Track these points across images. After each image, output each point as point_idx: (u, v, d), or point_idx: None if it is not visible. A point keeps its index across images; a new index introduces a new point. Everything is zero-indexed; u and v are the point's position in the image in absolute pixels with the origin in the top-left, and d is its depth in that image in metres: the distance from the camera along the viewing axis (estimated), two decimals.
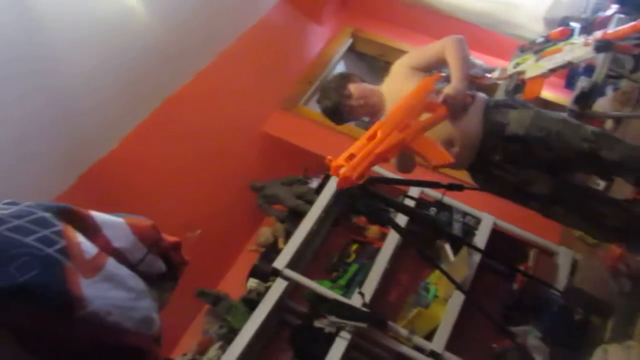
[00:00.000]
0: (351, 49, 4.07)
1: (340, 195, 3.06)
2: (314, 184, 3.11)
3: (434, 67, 1.81)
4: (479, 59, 1.98)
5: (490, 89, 2.69)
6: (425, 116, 1.67)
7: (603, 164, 1.68)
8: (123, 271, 0.93)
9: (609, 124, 2.59)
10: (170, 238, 1.07)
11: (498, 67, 2.68)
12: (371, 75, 3.44)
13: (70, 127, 2.22)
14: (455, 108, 1.71)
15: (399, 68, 1.87)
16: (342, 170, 1.46)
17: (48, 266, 0.82)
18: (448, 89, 1.69)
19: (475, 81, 1.85)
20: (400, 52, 1.94)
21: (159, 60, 2.55)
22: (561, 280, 2.55)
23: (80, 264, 0.85)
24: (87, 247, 0.88)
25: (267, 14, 3.32)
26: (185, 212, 2.86)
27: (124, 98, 2.42)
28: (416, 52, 1.88)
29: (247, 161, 3.34)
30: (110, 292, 0.88)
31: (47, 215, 0.86)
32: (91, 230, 0.93)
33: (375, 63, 4.08)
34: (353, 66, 4.18)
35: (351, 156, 1.50)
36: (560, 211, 1.81)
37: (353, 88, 1.89)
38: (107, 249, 0.93)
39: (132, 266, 0.97)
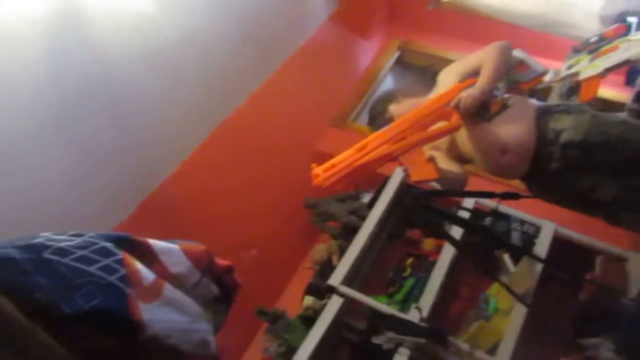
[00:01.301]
0: (399, 62, 4.07)
1: (394, 209, 3.05)
2: (366, 199, 3.11)
3: (478, 73, 1.77)
4: (536, 61, 1.91)
5: (544, 92, 2.61)
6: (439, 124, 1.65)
7: None
8: (180, 296, 0.98)
9: None
10: (223, 262, 1.11)
11: (551, 70, 2.59)
12: (421, 86, 3.42)
13: (133, 156, 2.35)
14: (468, 114, 1.67)
15: (444, 77, 1.86)
16: (316, 180, 1.48)
17: (110, 293, 0.88)
18: (462, 93, 1.65)
19: (523, 87, 1.78)
20: (448, 62, 1.92)
21: (214, 85, 2.66)
22: (633, 287, 2.41)
23: (140, 290, 0.91)
24: (146, 274, 0.94)
25: (315, 33, 3.40)
26: (241, 232, 2.94)
27: (182, 123, 2.54)
28: (461, 60, 1.87)
29: (301, 179, 3.36)
30: (168, 316, 0.93)
31: (109, 245, 0.93)
32: (149, 257, 0.99)
33: (424, 74, 4.05)
34: (401, 79, 4.17)
35: (332, 166, 1.51)
36: (627, 217, 1.72)
37: (394, 109, 1.90)
38: (165, 274, 0.98)
39: (188, 290, 1.02)
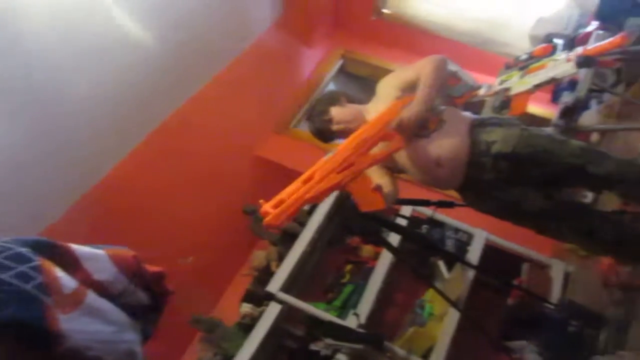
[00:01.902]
0: (342, 71, 4.12)
1: (333, 216, 3.07)
2: (306, 206, 3.11)
3: (416, 86, 1.81)
4: (469, 75, 1.95)
5: (478, 105, 2.72)
6: (380, 146, 1.66)
7: (590, 178, 1.69)
8: (104, 304, 0.93)
9: (594, 137, 2.61)
10: (152, 268, 1.07)
11: (485, 84, 2.71)
12: (362, 96, 3.48)
13: (64, 156, 2.23)
14: (409, 133, 1.69)
15: (382, 89, 1.89)
16: (266, 218, 1.45)
17: (25, 303, 0.82)
18: (402, 113, 1.67)
19: (457, 101, 1.82)
20: (389, 72, 1.95)
21: (152, 86, 2.58)
22: (555, 292, 2.55)
23: (59, 299, 0.85)
24: (66, 281, 0.88)
25: (258, 38, 3.37)
26: (178, 238, 2.86)
27: (117, 125, 2.44)
28: (399, 71, 1.89)
29: (240, 185, 3.35)
30: (90, 326, 0.88)
31: (24, 250, 0.87)
32: (71, 263, 0.93)
33: (366, 84, 4.12)
34: (344, 87, 4.22)
35: (280, 201, 1.48)
36: (552, 227, 1.81)
37: (335, 112, 1.90)
38: (88, 282, 0.93)
39: (114, 298, 0.97)
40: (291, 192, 1.50)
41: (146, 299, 1.04)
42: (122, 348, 0.93)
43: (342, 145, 1.64)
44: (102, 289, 0.94)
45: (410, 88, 1.81)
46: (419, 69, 1.74)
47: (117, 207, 2.52)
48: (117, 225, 2.46)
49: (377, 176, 1.81)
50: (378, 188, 1.58)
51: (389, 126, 1.68)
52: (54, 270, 0.88)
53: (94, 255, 0.97)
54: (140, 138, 2.61)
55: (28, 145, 2.02)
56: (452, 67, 1.80)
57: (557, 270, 2.66)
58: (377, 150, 1.68)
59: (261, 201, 1.49)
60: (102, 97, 2.31)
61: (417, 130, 1.72)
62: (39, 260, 0.86)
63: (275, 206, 1.47)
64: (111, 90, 2.35)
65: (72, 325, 0.85)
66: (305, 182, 1.53)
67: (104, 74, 2.29)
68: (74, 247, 0.96)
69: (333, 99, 1.96)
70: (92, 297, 0.90)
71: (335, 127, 1.90)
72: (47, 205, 2.22)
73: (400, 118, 1.66)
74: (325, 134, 1.95)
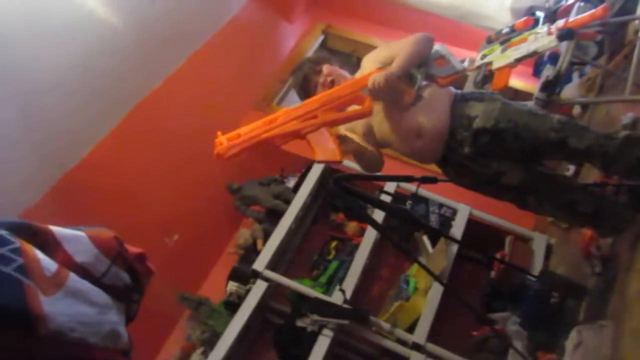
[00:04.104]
0: (323, 46, 4.07)
1: (318, 193, 3.08)
2: (291, 183, 3.11)
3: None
4: (457, 59, 1.95)
5: (460, 80, 2.71)
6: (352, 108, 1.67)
7: (570, 152, 1.71)
8: (86, 286, 0.92)
9: (576, 110, 2.63)
10: (134, 249, 1.05)
11: (467, 59, 2.70)
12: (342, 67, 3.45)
13: (40, 137, 2.18)
14: (379, 96, 1.70)
15: (366, 63, 1.87)
16: (217, 148, 1.46)
17: (6, 286, 0.80)
18: (371, 77, 1.67)
19: (440, 81, 1.81)
20: (372, 48, 1.93)
21: (129, 64, 2.52)
22: (537, 265, 2.60)
23: (41, 282, 0.84)
24: (47, 263, 0.87)
25: (236, 14, 3.30)
26: (162, 217, 2.84)
27: (95, 104, 2.39)
28: (384, 47, 1.88)
29: (223, 163, 3.30)
30: (73, 308, 0.87)
31: (3, 232, 0.85)
32: (51, 245, 0.91)
33: (348, 59, 4.08)
34: (321, 55, 4.18)
35: (237, 136, 1.49)
36: (532, 200, 1.83)
37: (326, 67, 1.90)
38: (69, 264, 0.91)
39: (96, 280, 0.95)
40: (249, 130, 1.51)
41: (129, 280, 1.03)
42: (105, 329, 0.92)
43: (312, 98, 1.65)
44: (83, 271, 0.93)
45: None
46: (402, 44, 1.73)
47: (99, 187, 2.49)
48: (100, 206, 2.43)
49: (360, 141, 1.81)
50: (341, 137, 1.59)
51: (360, 90, 1.68)
52: (34, 252, 0.86)
53: (75, 236, 0.95)
54: (117, 119, 2.56)
55: (1, 125, 1.97)
56: (441, 49, 1.80)
57: (539, 243, 2.70)
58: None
59: (218, 133, 1.49)
60: (78, 77, 2.26)
61: (391, 98, 1.72)
62: (18, 243, 0.84)
63: (231, 139, 1.47)
64: (87, 69, 2.30)
65: (55, 307, 0.84)
66: (267, 124, 1.54)
67: (77, 53, 2.24)
68: (54, 228, 0.94)
69: (327, 58, 1.96)
70: (73, 279, 0.89)
71: (322, 80, 1.88)
72: (24, 187, 2.17)
73: (371, 78, 1.66)
74: (309, 85, 1.92)
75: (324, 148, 1.58)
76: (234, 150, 1.46)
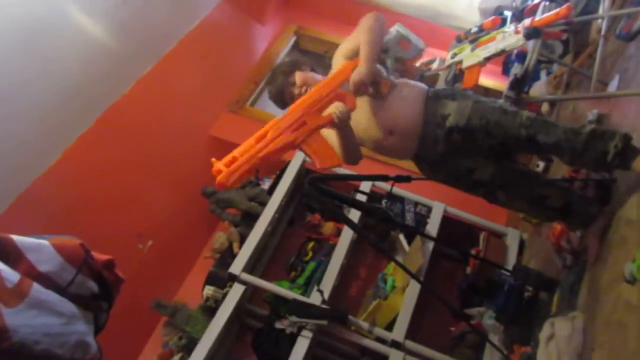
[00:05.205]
0: (295, 47, 4.06)
1: (293, 195, 3.06)
2: (266, 185, 3.09)
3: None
4: (418, 38, 1.96)
5: (432, 79, 2.74)
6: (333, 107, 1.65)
7: (539, 147, 1.74)
8: (51, 296, 0.89)
9: (545, 107, 2.68)
10: (102, 256, 1.03)
11: (437, 58, 2.73)
12: (317, 73, 3.46)
13: (6, 145, 2.12)
14: (363, 91, 1.69)
15: (335, 61, 1.88)
16: (218, 177, 1.42)
17: None
18: (352, 75, 1.66)
19: (408, 63, 1.81)
20: None
21: (98, 68, 2.47)
22: (511, 260, 2.64)
23: (2, 293, 0.81)
24: (8, 274, 0.84)
25: (207, 15, 3.26)
26: (135, 223, 2.80)
27: (63, 110, 2.34)
28: (344, 43, 1.88)
29: (196, 166, 3.25)
30: (37, 319, 0.85)
31: None
32: (13, 255, 0.88)
33: (321, 60, 4.08)
34: (294, 59, 4.17)
35: (233, 159, 1.45)
36: (502, 196, 1.86)
37: (298, 76, 1.89)
38: (32, 274, 0.89)
39: (62, 289, 0.93)
40: (244, 151, 1.47)
41: (96, 288, 1.00)
42: (72, 340, 0.90)
43: (294, 105, 1.62)
44: (47, 280, 0.90)
45: (357, 53, 1.79)
46: (357, 33, 1.73)
47: (69, 194, 2.43)
48: (70, 214, 2.38)
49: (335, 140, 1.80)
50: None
51: (341, 86, 1.67)
52: None
53: (38, 245, 0.92)
54: (87, 124, 2.51)
55: None
56: (401, 29, 1.80)
57: (512, 239, 2.75)
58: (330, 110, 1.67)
59: (213, 159, 1.45)
60: (44, 83, 2.21)
61: (371, 90, 1.72)
62: None
63: (228, 165, 1.43)
64: (54, 74, 2.25)
65: (18, 319, 0.81)
66: (258, 140, 1.51)
67: (44, 57, 2.18)
68: (16, 238, 0.91)
69: (297, 63, 1.95)
70: (37, 289, 0.86)
71: (297, 91, 1.87)
72: None
73: (351, 79, 1.65)
74: (285, 97, 1.91)
75: (322, 155, 1.57)
76: (235, 176, 1.41)
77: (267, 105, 3.24)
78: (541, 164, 2.53)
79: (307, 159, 2.96)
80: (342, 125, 1.67)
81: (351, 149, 1.83)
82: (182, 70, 3.07)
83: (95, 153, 2.54)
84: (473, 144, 1.77)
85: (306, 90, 1.85)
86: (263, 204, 2.91)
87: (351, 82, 1.66)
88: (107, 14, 2.46)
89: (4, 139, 2.09)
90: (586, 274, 1.77)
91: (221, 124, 3.44)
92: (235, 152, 1.47)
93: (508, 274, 2.36)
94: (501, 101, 2.05)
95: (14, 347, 0.81)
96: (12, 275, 0.85)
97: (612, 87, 2.04)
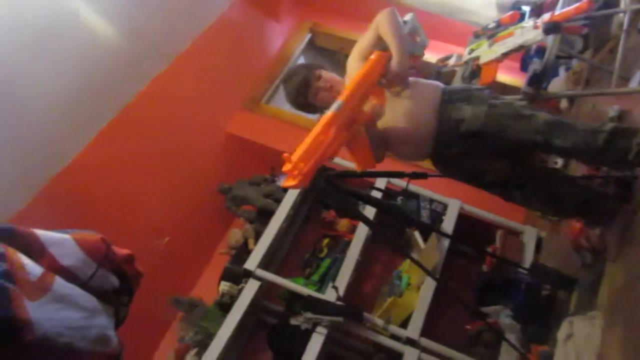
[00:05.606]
0: (311, 44, 4.06)
1: (308, 191, 3.07)
2: (281, 181, 3.10)
3: (378, 47, 1.72)
4: (424, 33, 1.92)
5: (448, 75, 2.72)
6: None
7: (557, 150, 1.72)
8: (73, 290, 0.90)
9: (563, 103, 2.65)
10: (122, 251, 1.04)
11: (454, 54, 2.70)
12: (332, 70, 3.45)
13: (27, 142, 2.16)
14: (403, 84, 1.67)
15: (351, 62, 1.86)
16: (295, 181, 1.35)
17: None
18: (393, 67, 1.61)
19: (414, 61, 1.77)
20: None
21: (115, 67, 2.50)
22: (528, 258, 2.62)
23: (26, 287, 0.83)
24: (32, 268, 0.86)
25: (223, 13, 3.28)
26: (152, 219, 2.83)
27: (81, 108, 2.37)
28: (359, 42, 1.84)
29: (213, 164, 3.30)
30: (60, 312, 0.86)
31: None
32: (36, 250, 0.90)
33: (336, 57, 4.08)
34: (314, 61, 4.17)
35: (306, 154, 1.37)
36: (519, 195, 1.84)
37: (323, 72, 1.87)
38: (54, 268, 0.90)
39: (83, 283, 0.94)
40: (312, 149, 1.38)
41: (117, 282, 1.02)
42: (93, 333, 0.91)
43: (346, 97, 1.52)
44: (70, 274, 0.92)
45: (374, 49, 1.75)
46: (374, 29, 1.70)
47: (88, 191, 2.47)
48: (89, 210, 2.41)
49: None
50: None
51: (374, 79, 1.62)
52: (18, 257, 0.85)
53: (60, 240, 0.94)
54: (107, 120, 2.54)
55: None
56: (415, 22, 1.78)
57: (529, 236, 2.72)
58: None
59: (286, 154, 1.35)
60: (63, 82, 2.24)
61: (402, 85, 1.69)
62: (1, 248, 0.83)
63: (301, 161, 1.35)
64: (72, 73, 2.28)
65: (41, 312, 0.83)
66: (322, 134, 1.42)
67: (63, 58, 2.22)
68: (39, 232, 0.93)
69: (320, 64, 1.92)
70: (60, 283, 0.88)
71: (322, 84, 1.83)
72: (12, 191, 2.15)
73: (393, 70, 1.60)
74: (308, 93, 1.86)
75: (361, 157, 1.55)
76: (309, 177, 1.35)
77: (282, 104, 3.24)
78: (560, 160, 2.49)
79: None
80: (377, 121, 1.65)
81: (376, 146, 1.81)
82: (198, 69, 3.09)
83: (113, 150, 2.57)
84: (487, 148, 1.75)
85: (330, 88, 1.84)
86: (278, 201, 2.92)
87: (392, 73, 1.60)
88: (123, 14, 2.49)
89: (26, 135, 2.13)
90: (606, 273, 1.74)
91: (237, 121, 3.45)
92: (306, 149, 1.38)
93: (525, 272, 2.34)
94: (517, 102, 2.02)
95: (37, 340, 0.82)
96: (35, 269, 0.87)
97: (634, 82, 2.01)
